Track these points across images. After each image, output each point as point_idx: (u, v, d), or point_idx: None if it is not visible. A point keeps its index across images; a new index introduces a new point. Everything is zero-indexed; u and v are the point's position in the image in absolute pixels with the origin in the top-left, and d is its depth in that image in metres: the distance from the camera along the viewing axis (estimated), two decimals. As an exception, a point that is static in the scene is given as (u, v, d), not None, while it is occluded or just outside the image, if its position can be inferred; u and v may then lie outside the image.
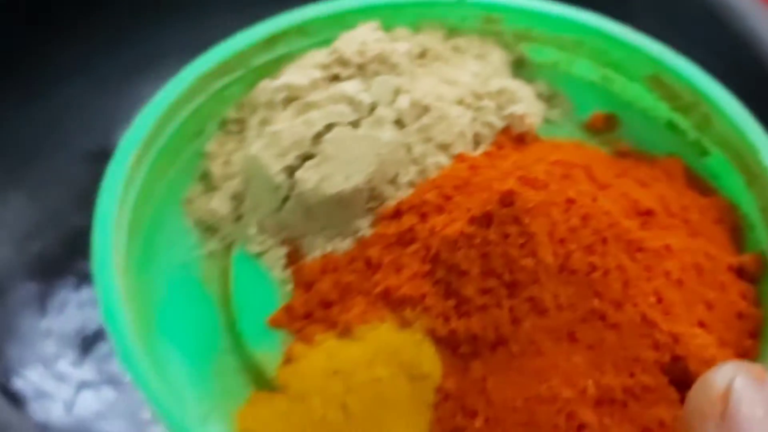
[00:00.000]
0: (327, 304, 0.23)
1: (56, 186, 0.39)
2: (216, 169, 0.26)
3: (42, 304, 0.48)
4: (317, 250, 0.24)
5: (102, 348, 0.44)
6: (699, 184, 0.26)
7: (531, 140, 0.26)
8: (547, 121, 0.28)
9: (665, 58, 0.27)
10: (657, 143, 0.27)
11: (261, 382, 0.22)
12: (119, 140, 0.24)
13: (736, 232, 0.25)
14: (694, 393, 0.19)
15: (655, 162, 0.27)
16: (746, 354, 0.23)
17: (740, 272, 0.24)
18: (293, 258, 0.24)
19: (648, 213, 0.24)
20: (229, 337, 0.23)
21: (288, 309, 0.23)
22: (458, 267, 0.21)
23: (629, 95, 0.28)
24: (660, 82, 0.27)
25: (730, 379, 0.19)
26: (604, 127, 0.28)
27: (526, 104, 0.27)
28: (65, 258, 0.40)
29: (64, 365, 0.46)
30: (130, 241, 0.23)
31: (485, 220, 0.21)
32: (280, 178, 0.24)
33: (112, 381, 0.46)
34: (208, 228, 0.25)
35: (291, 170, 0.24)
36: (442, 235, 0.22)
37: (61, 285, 0.41)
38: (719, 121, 0.26)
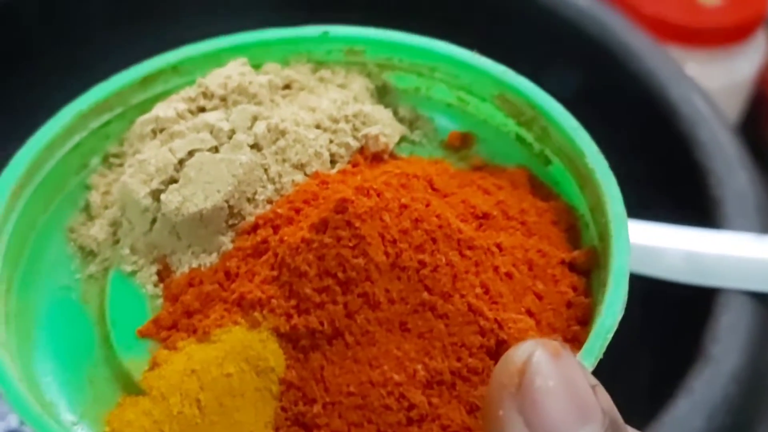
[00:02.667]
0: (190, 314, 0.25)
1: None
2: (96, 198, 0.28)
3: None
4: (185, 266, 0.26)
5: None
6: (543, 190, 0.29)
7: (388, 159, 0.29)
8: (411, 142, 0.31)
9: (507, 78, 0.29)
10: (509, 156, 0.30)
11: (131, 388, 0.24)
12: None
13: (573, 231, 0.27)
14: (498, 367, 0.21)
15: (503, 173, 0.29)
16: (574, 338, 0.25)
17: (572, 266, 0.26)
18: (164, 275, 0.26)
19: (485, 216, 0.26)
20: (103, 350, 0.25)
21: (156, 320, 0.25)
22: (298, 269, 0.23)
23: (483, 114, 0.30)
24: (506, 100, 0.30)
25: (529, 353, 0.21)
26: (461, 144, 0.30)
27: (382, 126, 0.29)
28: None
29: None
30: (11, 266, 0.26)
31: (322, 226, 0.24)
32: (147, 201, 0.26)
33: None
34: (89, 253, 0.27)
35: (157, 194, 0.26)
36: (287, 242, 0.24)
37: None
38: (554, 132, 0.28)
